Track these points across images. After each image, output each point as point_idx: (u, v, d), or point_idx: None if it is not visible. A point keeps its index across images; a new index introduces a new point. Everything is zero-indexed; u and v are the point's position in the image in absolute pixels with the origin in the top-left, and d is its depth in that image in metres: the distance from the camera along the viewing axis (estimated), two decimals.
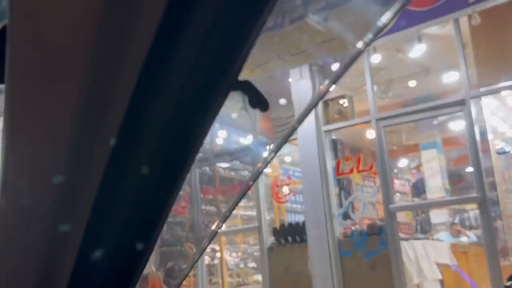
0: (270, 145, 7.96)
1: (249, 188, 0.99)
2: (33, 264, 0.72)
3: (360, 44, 0.88)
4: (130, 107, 0.63)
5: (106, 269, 0.72)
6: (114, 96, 0.64)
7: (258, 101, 0.70)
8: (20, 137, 0.68)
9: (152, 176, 0.69)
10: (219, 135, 9.35)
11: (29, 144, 0.68)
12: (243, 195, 1.03)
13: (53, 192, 0.68)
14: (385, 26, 0.90)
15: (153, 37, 0.59)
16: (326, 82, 0.90)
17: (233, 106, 7.38)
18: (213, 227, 1.05)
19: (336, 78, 0.96)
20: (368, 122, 6.62)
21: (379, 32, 0.91)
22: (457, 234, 8.10)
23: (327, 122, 6.98)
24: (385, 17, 0.87)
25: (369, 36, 0.89)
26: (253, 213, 8.48)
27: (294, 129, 0.97)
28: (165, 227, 8.73)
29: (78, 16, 0.60)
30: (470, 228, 8.81)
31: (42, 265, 0.71)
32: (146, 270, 8.04)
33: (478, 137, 5.83)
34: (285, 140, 1.02)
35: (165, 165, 0.70)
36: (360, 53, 0.89)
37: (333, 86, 0.97)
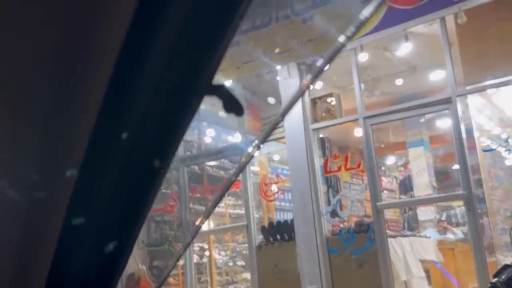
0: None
1: (232, 183, 0.98)
2: (9, 265, 0.71)
3: (342, 38, 0.88)
4: (102, 111, 0.62)
5: (84, 270, 0.71)
6: (86, 100, 0.63)
7: (232, 105, 0.69)
8: None
9: (128, 179, 0.68)
10: (207, 134, 9.33)
11: (4, 144, 0.67)
12: (226, 189, 1.02)
13: (29, 192, 0.67)
14: (367, 19, 0.90)
15: (124, 39, 0.58)
16: (309, 76, 0.89)
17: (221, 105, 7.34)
18: (197, 222, 1.04)
19: (318, 72, 0.96)
20: (356, 120, 6.64)
21: (361, 26, 0.91)
22: (444, 231, 8.17)
23: (315, 120, 6.98)
24: (367, 11, 0.87)
25: (351, 29, 0.89)
26: (242, 211, 8.47)
27: (276, 124, 0.96)
28: (153, 226, 8.71)
29: (47, 17, 0.59)
30: (457, 225, 8.90)
31: (19, 266, 0.70)
32: (133, 269, 7.96)
33: (464, 135, 5.87)
34: (268, 134, 1.02)
35: (142, 168, 0.69)
36: (342, 46, 0.89)
37: (316, 81, 0.97)
